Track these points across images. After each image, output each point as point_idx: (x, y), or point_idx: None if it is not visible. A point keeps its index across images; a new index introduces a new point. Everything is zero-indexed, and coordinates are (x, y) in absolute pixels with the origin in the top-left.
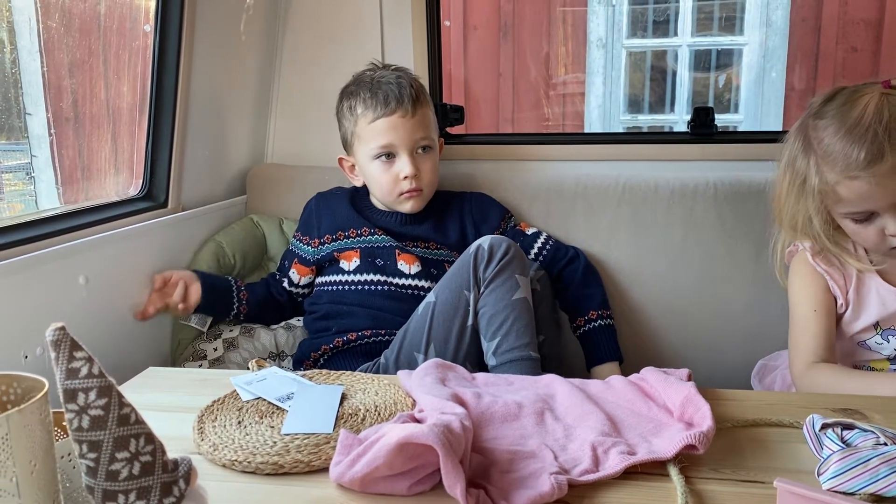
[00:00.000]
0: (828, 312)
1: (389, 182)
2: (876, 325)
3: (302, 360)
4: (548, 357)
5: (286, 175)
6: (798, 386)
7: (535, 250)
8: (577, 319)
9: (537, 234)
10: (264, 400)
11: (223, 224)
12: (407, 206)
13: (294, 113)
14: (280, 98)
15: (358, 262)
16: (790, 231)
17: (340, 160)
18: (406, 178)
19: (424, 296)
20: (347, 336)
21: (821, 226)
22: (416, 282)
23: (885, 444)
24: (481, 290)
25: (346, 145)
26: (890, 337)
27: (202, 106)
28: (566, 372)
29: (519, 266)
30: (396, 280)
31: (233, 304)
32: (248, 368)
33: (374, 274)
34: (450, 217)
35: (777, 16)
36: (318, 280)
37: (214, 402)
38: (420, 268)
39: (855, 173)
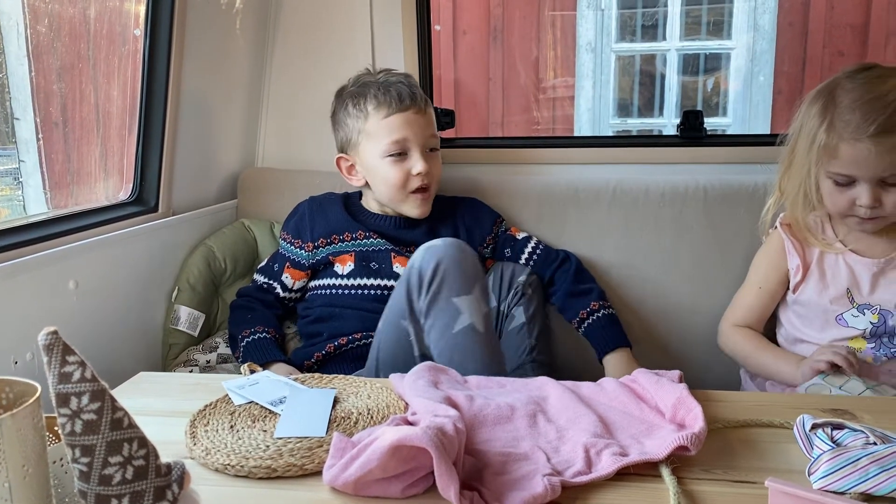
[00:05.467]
0: (770, 295)
1: (400, 179)
2: (851, 300)
3: (297, 366)
4: (538, 363)
5: (277, 179)
6: (719, 337)
7: (526, 255)
8: (579, 313)
9: (528, 239)
10: (257, 404)
11: (214, 228)
12: (416, 211)
13: (285, 117)
14: (270, 102)
15: (352, 266)
16: (783, 194)
17: (339, 160)
18: (418, 174)
19: None
20: (338, 341)
21: (810, 189)
22: None
23: (875, 444)
24: (422, 324)
25: (348, 145)
26: (866, 311)
27: (192, 110)
28: (558, 378)
29: (455, 285)
30: (392, 283)
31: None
32: (241, 373)
33: (369, 278)
34: (443, 222)
35: (764, 20)
36: (312, 284)
37: (206, 406)
38: None
39: (860, 137)
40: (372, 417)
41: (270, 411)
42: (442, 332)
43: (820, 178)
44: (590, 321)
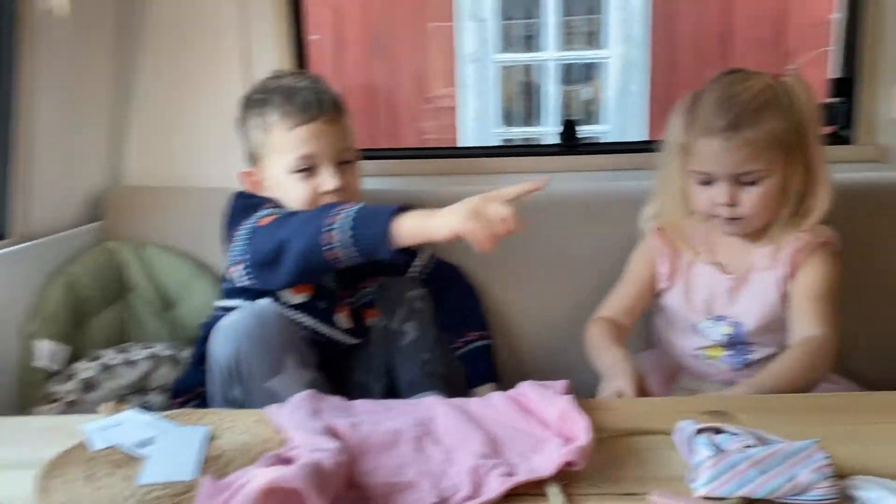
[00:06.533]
0: (644, 283)
1: (309, 197)
2: (709, 311)
3: (185, 391)
4: (435, 376)
5: (146, 197)
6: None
7: (418, 268)
8: (455, 341)
9: (419, 252)
10: (119, 448)
11: (75, 254)
12: None
13: (154, 131)
14: (138, 116)
15: (307, 298)
16: (658, 198)
17: (244, 175)
18: (326, 192)
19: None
20: None
21: (678, 191)
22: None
23: (752, 446)
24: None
25: (253, 159)
26: (720, 322)
27: (46, 126)
28: (453, 390)
29: (263, 369)
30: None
31: None
32: (100, 412)
33: (316, 319)
34: None
35: (636, 30)
36: (234, 304)
37: (61, 454)
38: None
39: (713, 133)
40: (248, 455)
41: (135, 455)
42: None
43: (686, 179)
44: (464, 350)
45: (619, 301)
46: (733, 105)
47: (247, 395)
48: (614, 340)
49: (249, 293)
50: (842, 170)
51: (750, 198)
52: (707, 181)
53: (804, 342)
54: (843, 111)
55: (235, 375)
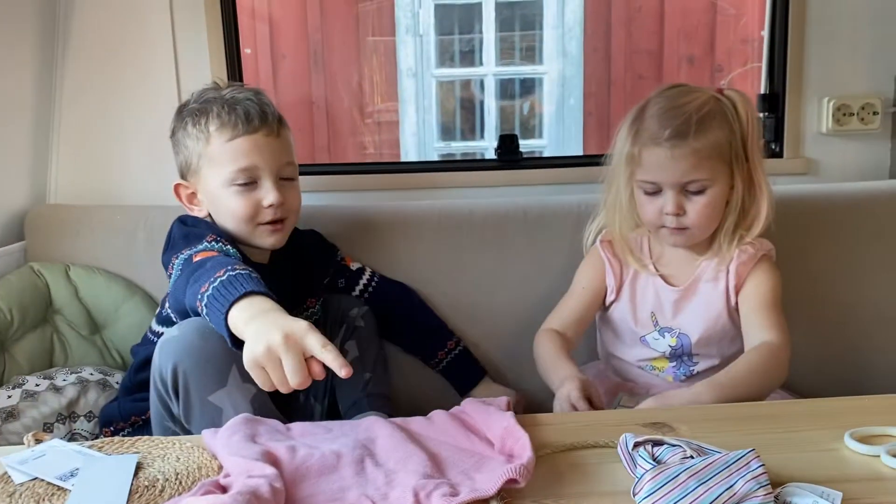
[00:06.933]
0: (592, 295)
1: (248, 211)
2: (655, 323)
3: (114, 422)
4: (375, 396)
5: (72, 216)
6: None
7: (361, 287)
8: (437, 354)
9: (362, 270)
10: (42, 480)
11: None
12: (269, 241)
13: (79, 147)
14: (62, 131)
15: None
16: (605, 211)
17: (177, 187)
18: (270, 206)
19: None
20: None
21: (625, 202)
22: None
23: (692, 457)
24: (188, 429)
25: (188, 170)
26: (666, 334)
27: None
28: (395, 408)
29: (205, 381)
30: None
31: None
32: (24, 443)
33: None
34: (294, 259)
35: (572, 46)
36: (158, 328)
37: None
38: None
39: (659, 142)
40: (181, 483)
41: (59, 487)
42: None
43: (633, 191)
44: (449, 359)
45: (566, 314)
46: (679, 115)
47: (187, 410)
48: (564, 353)
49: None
50: (772, 182)
51: (696, 207)
52: (654, 191)
53: (761, 347)
54: (771, 125)
55: (174, 391)
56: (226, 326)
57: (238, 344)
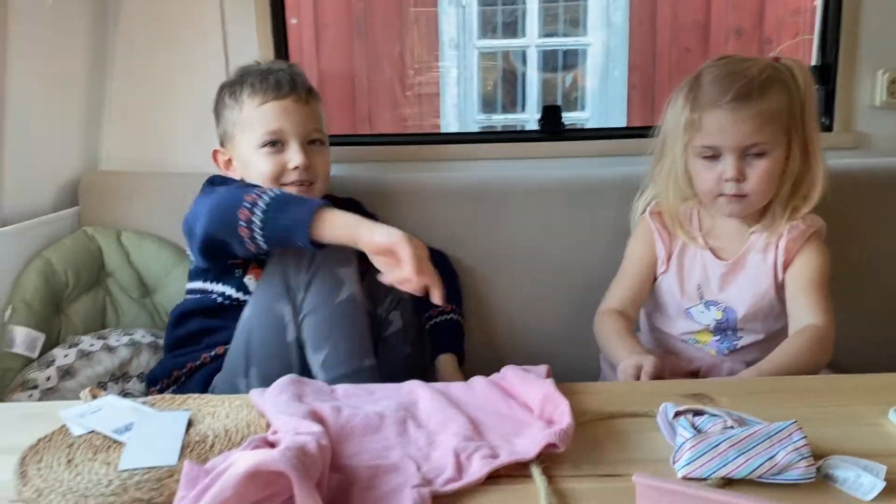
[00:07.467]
0: (646, 267)
1: (274, 171)
2: (701, 297)
3: (159, 380)
4: (414, 369)
5: (123, 183)
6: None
7: None
8: (430, 310)
9: None
10: (99, 433)
11: (52, 239)
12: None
13: (131, 116)
14: (115, 100)
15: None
16: (655, 182)
17: (215, 153)
18: (295, 167)
19: None
20: (216, 351)
21: (680, 172)
22: None
23: (732, 427)
24: (300, 299)
25: (225, 139)
26: (712, 307)
27: (20, 110)
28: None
29: (338, 255)
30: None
31: None
32: (81, 398)
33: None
34: None
35: (617, 17)
36: (198, 286)
37: (40, 440)
38: None
39: (720, 104)
40: (230, 439)
41: (115, 441)
42: (324, 302)
43: (689, 160)
44: (438, 320)
45: (624, 291)
46: (740, 78)
47: (313, 277)
48: (630, 333)
49: (210, 274)
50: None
51: (756, 172)
52: (714, 155)
53: (806, 331)
54: (821, 98)
55: (309, 259)
56: (297, 226)
57: (314, 244)
